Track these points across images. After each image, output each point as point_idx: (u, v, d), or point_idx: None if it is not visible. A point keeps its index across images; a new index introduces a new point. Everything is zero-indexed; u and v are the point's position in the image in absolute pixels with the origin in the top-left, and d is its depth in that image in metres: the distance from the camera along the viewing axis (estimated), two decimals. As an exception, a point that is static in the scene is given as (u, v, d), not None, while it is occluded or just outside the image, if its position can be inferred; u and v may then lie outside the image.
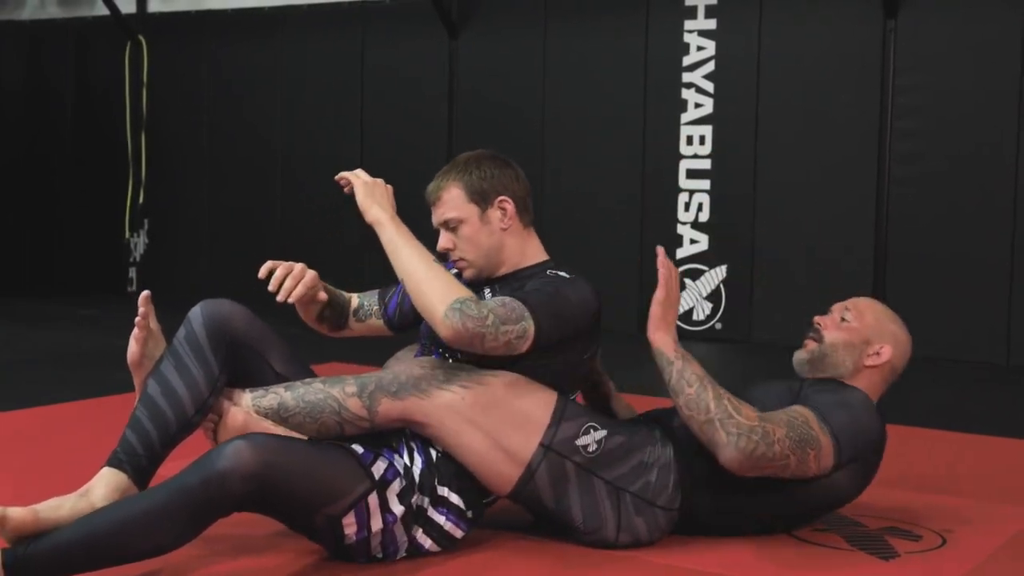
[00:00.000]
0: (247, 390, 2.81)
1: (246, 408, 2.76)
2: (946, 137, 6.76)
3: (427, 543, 2.76)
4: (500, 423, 2.74)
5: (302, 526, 2.68)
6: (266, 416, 2.75)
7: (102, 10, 9.31)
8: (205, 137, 9.24)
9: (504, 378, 2.79)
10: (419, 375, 2.77)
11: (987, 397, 5.79)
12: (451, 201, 2.94)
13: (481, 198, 2.94)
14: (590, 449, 2.79)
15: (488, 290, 2.97)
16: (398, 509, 2.68)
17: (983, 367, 6.50)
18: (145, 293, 2.84)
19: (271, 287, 2.83)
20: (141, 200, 9.46)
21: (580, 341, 2.91)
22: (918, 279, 6.84)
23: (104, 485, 2.62)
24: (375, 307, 3.17)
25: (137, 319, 2.83)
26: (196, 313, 2.81)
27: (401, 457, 2.76)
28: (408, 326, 3.16)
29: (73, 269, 9.79)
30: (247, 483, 2.47)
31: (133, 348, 2.83)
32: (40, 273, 9.87)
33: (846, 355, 3.06)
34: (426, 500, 2.73)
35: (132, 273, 9.55)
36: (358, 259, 8.39)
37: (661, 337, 2.84)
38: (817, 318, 3.15)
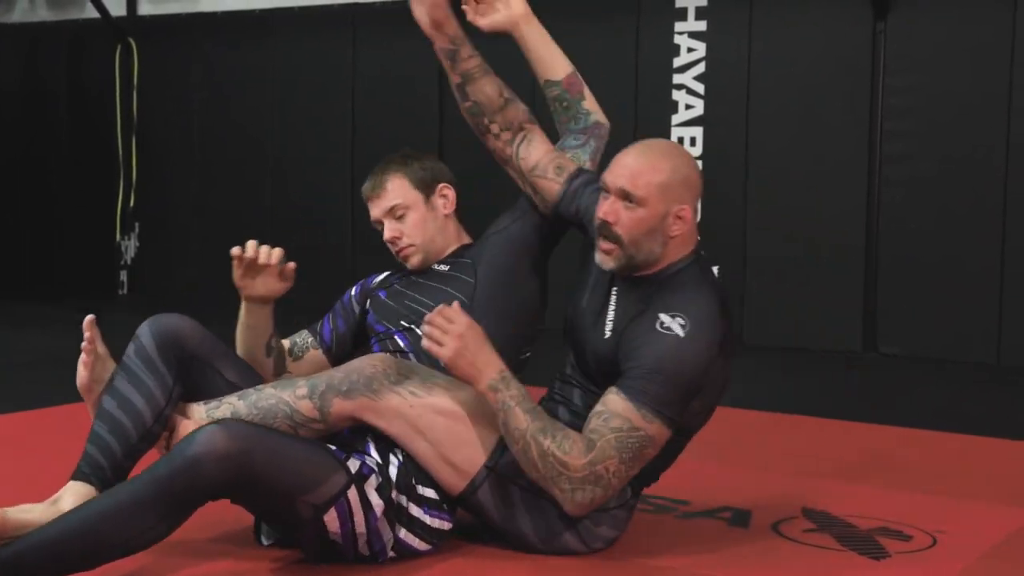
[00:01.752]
0: (201, 402, 2.80)
1: (198, 420, 2.74)
2: (937, 138, 6.77)
3: (415, 542, 2.76)
4: (446, 437, 2.71)
5: (285, 519, 2.64)
6: None
7: (92, 13, 9.29)
8: (196, 139, 9.22)
9: (458, 392, 2.75)
10: (370, 374, 2.73)
11: (978, 398, 5.80)
12: (396, 190, 3.10)
13: (424, 186, 3.13)
14: None
15: (438, 264, 3.13)
16: (378, 504, 2.67)
17: (974, 368, 6.50)
18: (90, 317, 2.82)
19: (249, 253, 2.90)
20: (132, 203, 9.44)
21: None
22: (909, 280, 6.85)
23: (72, 494, 2.61)
24: (309, 339, 3.20)
25: (84, 344, 2.81)
26: (143, 329, 2.82)
27: (372, 457, 2.76)
28: (347, 351, 3.18)
29: (70, 271, 9.77)
30: (221, 465, 2.43)
31: (81, 373, 2.84)
32: (38, 275, 9.84)
33: (652, 242, 2.74)
34: (404, 498, 2.73)
35: (123, 276, 9.54)
36: (348, 260, 8.39)
37: (482, 387, 2.67)
38: (601, 212, 2.76)
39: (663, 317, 2.68)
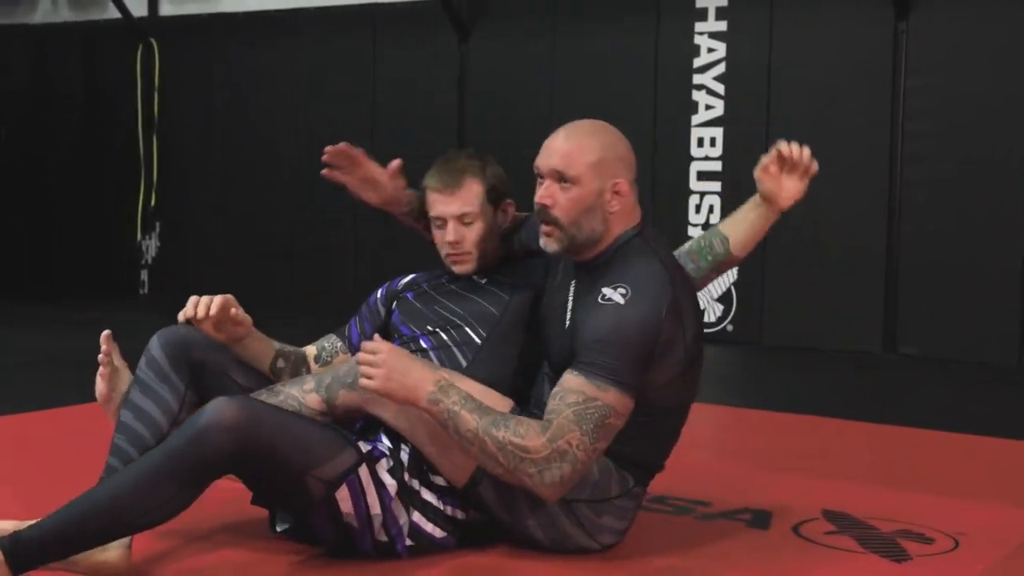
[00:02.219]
0: None
1: None
2: (957, 139, 6.75)
3: (430, 528, 2.76)
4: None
5: (298, 501, 2.64)
6: None
7: (113, 13, 9.34)
8: (216, 139, 9.26)
9: (461, 384, 2.74)
10: None
11: (999, 398, 5.78)
12: (471, 197, 3.02)
13: (495, 199, 3.05)
14: None
15: (484, 279, 3.07)
16: (391, 484, 2.68)
17: (994, 368, 6.48)
18: (106, 333, 2.87)
19: (187, 313, 2.81)
20: (153, 203, 9.49)
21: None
22: (929, 280, 6.83)
23: None
24: (339, 344, 3.15)
25: (100, 357, 2.87)
26: (153, 341, 2.87)
27: (383, 443, 2.77)
28: None
29: (85, 272, 9.82)
30: (230, 435, 2.45)
31: (100, 386, 2.90)
32: (57, 275, 9.89)
33: (591, 220, 2.74)
34: (416, 482, 2.74)
35: (144, 276, 9.58)
36: (369, 260, 8.40)
37: (424, 406, 2.61)
38: (538, 197, 2.77)
39: (605, 291, 2.67)
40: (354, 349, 3.13)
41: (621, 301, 2.64)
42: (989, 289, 6.68)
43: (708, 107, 7.40)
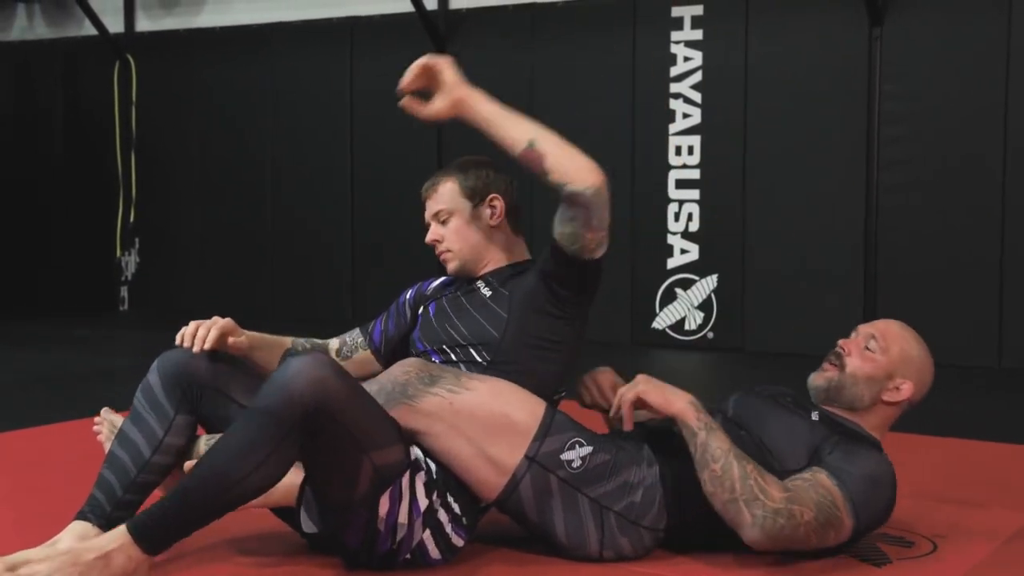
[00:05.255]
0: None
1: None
2: (934, 143, 6.79)
3: (431, 549, 2.76)
4: (485, 431, 2.73)
5: (345, 481, 2.61)
6: None
7: (90, 29, 9.33)
8: (195, 155, 9.25)
9: (492, 385, 2.80)
10: (404, 380, 2.77)
11: (978, 401, 5.80)
12: (444, 194, 3.09)
13: (473, 194, 3.09)
14: (574, 465, 2.77)
15: (484, 284, 3.05)
16: (423, 502, 2.70)
17: (974, 371, 6.52)
18: (98, 417, 2.96)
19: (185, 343, 2.84)
20: (132, 219, 9.47)
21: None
22: (908, 283, 6.87)
23: (72, 535, 2.67)
24: (359, 339, 3.18)
25: (94, 428, 2.96)
26: (152, 367, 2.87)
27: (421, 454, 2.78)
28: (396, 352, 3.16)
29: (64, 289, 9.78)
30: (311, 387, 2.48)
31: (103, 441, 2.95)
32: (37, 293, 9.85)
33: (866, 389, 2.99)
34: (439, 501, 2.75)
35: (124, 292, 9.55)
36: (350, 275, 8.39)
37: (680, 406, 2.78)
38: (842, 342, 3.04)
39: (873, 450, 2.94)
40: (374, 346, 3.17)
41: (886, 467, 2.91)
42: (967, 292, 6.72)
43: (685, 115, 7.43)
